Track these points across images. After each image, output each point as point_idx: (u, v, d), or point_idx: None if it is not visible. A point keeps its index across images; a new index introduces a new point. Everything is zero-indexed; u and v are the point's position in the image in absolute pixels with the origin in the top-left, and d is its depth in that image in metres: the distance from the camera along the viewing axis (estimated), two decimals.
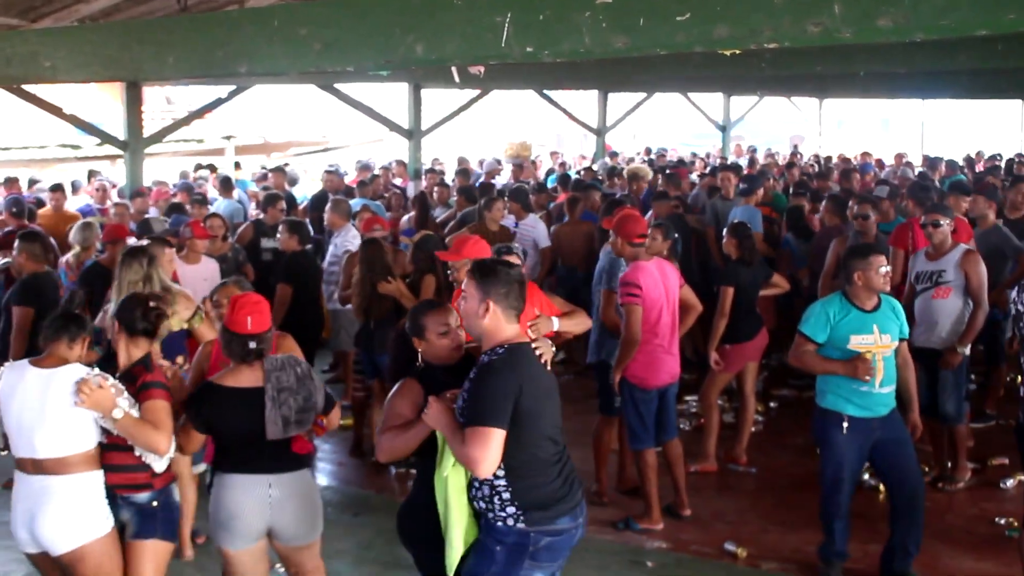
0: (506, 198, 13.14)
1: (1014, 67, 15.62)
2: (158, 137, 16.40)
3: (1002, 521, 8.30)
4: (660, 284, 8.09)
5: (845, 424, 6.97)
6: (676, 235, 9.63)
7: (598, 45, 6.19)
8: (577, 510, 5.03)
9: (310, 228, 12.89)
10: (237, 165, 23.71)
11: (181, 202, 14.39)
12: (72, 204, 15.49)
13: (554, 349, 5.14)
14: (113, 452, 5.70)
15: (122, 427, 5.55)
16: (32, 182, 18.22)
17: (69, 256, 10.72)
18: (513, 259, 7.17)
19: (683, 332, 8.64)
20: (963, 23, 4.90)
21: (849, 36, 5.27)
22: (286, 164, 21.40)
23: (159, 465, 5.76)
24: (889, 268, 7.16)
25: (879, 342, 6.96)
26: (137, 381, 5.70)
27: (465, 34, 6.85)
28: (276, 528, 5.76)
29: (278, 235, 11.06)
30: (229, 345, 5.80)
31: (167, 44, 9.02)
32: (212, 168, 21.63)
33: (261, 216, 13.12)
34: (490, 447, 4.66)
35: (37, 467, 5.61)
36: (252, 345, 5.75)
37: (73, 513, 5.62)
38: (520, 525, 4.85)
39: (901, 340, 7.17)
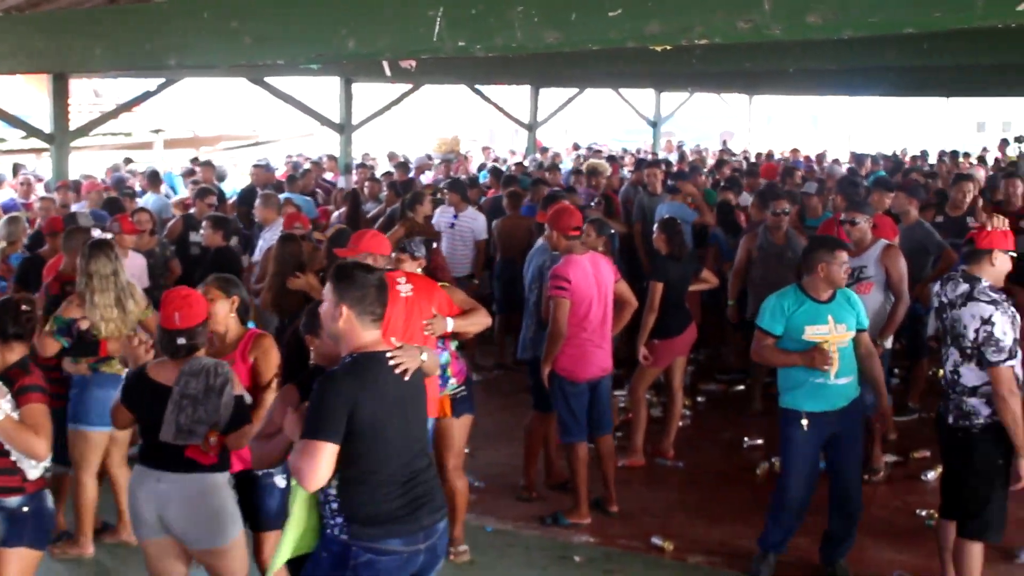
0: (445, 190, 13.15)
1: (940, 64, 15.84)
2: (85, 130, 16.17)
3: (923, 513, 8.42)
4: (591, 278, 8.10)
5: (804, 422, 7.03)
6: (612, 231, 9.68)
7: (530, 40, 6.18)
8: (417, 536, 4.76)
9: (238, 223, 12.84)
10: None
11: (117, 196, 14.22)
12: None
13: (425, 357, 4.93)
14: None
15: (1, 430, 5.45)
16: None
17: None
18: (415, 260, 7.23)
19: (619, 328, 8.67)
20: (891, 20, 4.94)
21: (779, 33, 5.30)
22: (194, 160, 21.21)
23: (33, 472, 5.64)
24: (847, 266, 7.22)
25: (834, 332, 7.03)
26: (14, 385, 5.57)
27: (397, 28, 6.82)
28: (166, 523, 5.66)
29: (202, 230, 10.99)
30: (160, 340, 5.79)
31: (95, 35, 8.90)
32: (127, 161, 21.39)
33: (192, 210, 13.00)
34: (317, 461, 4.46)
35: None
36: (180, 341, 5.70)
37: None
38: (343, 536, 4.67)
39: (860, 331, 7.23)
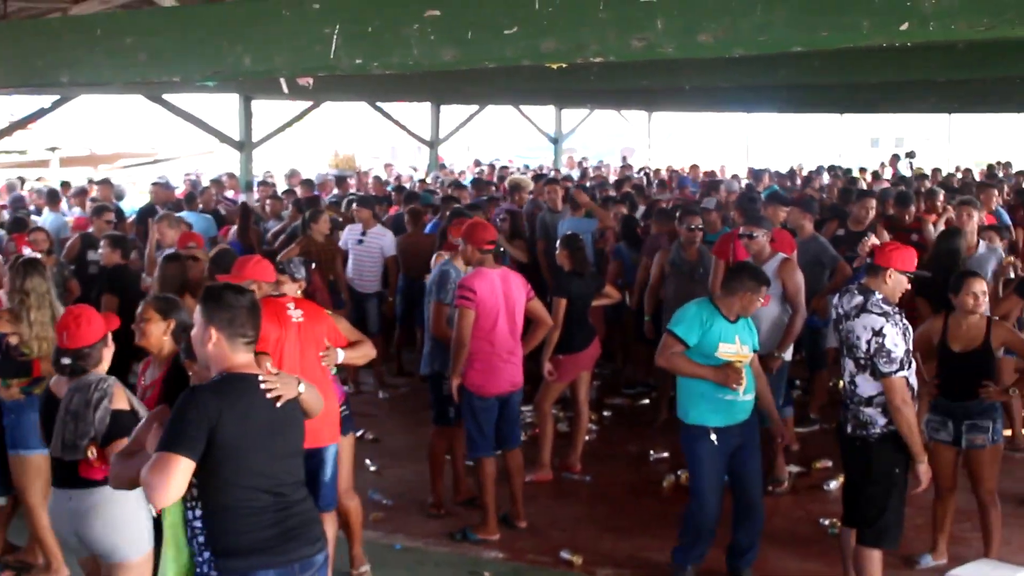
0: (355, 205, 13.12)
1: (830, 83, 16.16)
2: None
3: (826, 522, 8.54)
4: (499, 292, 8.14)
5: (713, 436, 7.11)
6: (502, 249, 9.72)
7: (427, 57, 6.19)
8: (291, 568, 4.55)
9: (137, 241, 12.67)
10: (66, 185, 23.13)
11: (22, 216, 13.98)
12: None
13: (302, 390, 4.77)
14: None
15: None
16: None
17: None
18: (295, 281, 7.18)
19: (531, 345, 8.71)
20: (779, 40, 5.03)
21: (672, 51, 5.36)
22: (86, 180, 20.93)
23: None
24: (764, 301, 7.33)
25: (740, 352, 7.14)
26: None
27: (293, 46, 6.79)
28: (83, 540, 5.68)
29: (100, 249, 10.84)
30: (52, 358, 5.89)
31: None
32: (21, 180, 21.03)
33: (90, 229, 12.80)
34: (169, 475, 4.22)
35: None
36: (64, 360, 5.70)
37: None
38: (213, 573, 4.46)
39: (754, 351, 7.37)
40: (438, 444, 8.91)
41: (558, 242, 9.98)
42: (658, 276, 10.91)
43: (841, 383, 6.95)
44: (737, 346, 7.14)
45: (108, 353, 5.99)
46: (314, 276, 8.45)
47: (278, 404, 4.61)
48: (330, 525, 6.91)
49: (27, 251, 9.22)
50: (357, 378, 12.71)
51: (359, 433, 10.77)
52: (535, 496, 8.99)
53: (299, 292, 7.21)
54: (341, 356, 6.90)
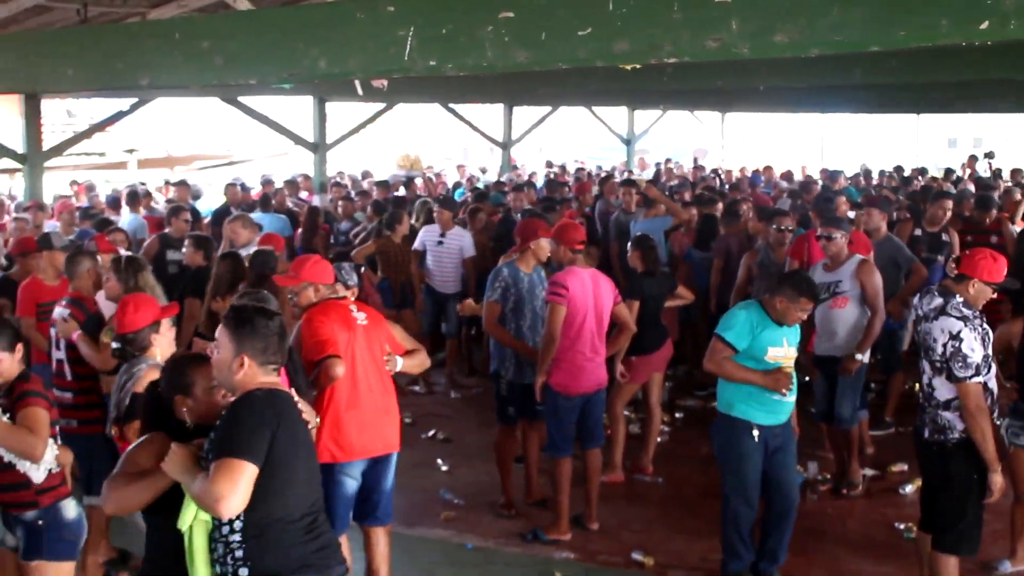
0: (436, 207, 13.19)
1: (906, 82, 15.97)
2: (58, 150, 16.13)
3: (902, 526, 8.45)
4: (590, 293, 8.16)
5: (756, 432, 7.07)
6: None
7: (500, 59, 6.21)
8: None
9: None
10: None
11: (107, 216, 14.19)
12: None
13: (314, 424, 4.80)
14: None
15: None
16: None
17: None
18: (348, 288, 7.04)
19: (614, 349, 8.74)
20: (856, 39, 5.00)
21: (746, 51, 5.35)
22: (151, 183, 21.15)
23: (37, 475, 5.67)
24: (806, 315, 7.23)
25: (787, 355, 7.10)
26: (14, 392, 5.64)
27: (368, 48, 6.85)
28: None
29: (183, 248, 10.94)
30: None
31: (66, 56, 8.90)
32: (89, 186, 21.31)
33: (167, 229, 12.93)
34: (238, 482, 4.11)
35: None
36: (114, 345, 6.00)
37: None
38: None
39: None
40: (504, 443, 8.92)
41: (630, 243, 9.96)
42: (745, 277, 10.87)
43: (918, 386, 6.86)
44: (785, 348, 7.09)
45: (160, 339, 6.03)
46: (366, 282, 8.45)
47: (309, 426, 4.70)
48: (386, 541, 6.93)
49: (123, 251, 9.35)
50: (429, 378, 12.77)
51: (431, 433, 10.86)
52: (607, 497, 8.94)
53: (351, 298, 7.13)
54: (400, 364, 6.89)
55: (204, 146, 31.90)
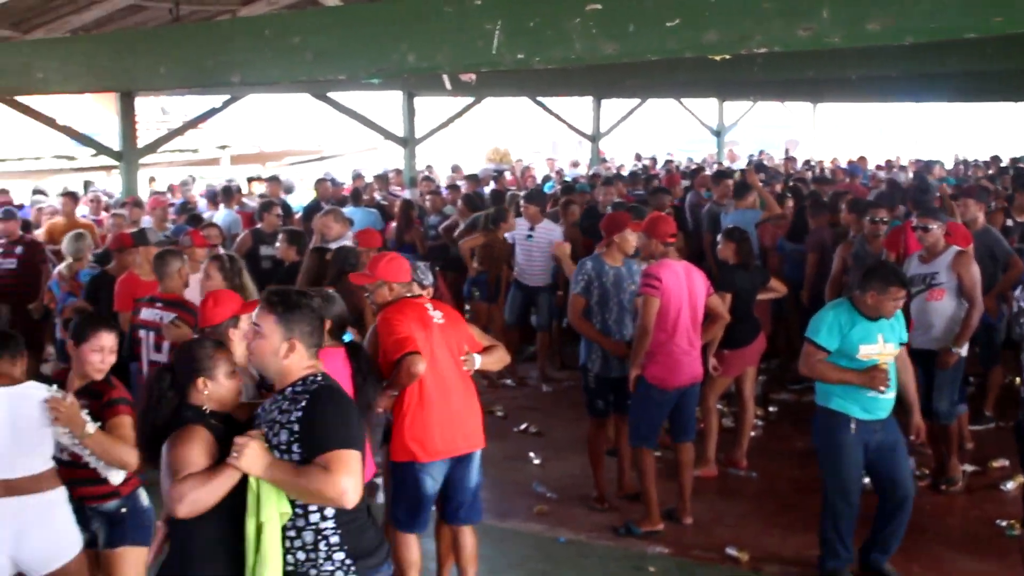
0: (523, 201, 13.21)
1: (1003, 69, 15.66)
2: (153, 147, 16.39)
3: (1003, 523, 8.29)
4: (683, 285, 8.13)
5: (853, 426, 6.99)
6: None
7: (588, 51, 6.19)
8: (388, 563, 4.62)
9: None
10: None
11: (197, 212, 14.37)
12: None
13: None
14: (74, 468, 5.69)
15: (94, 443, 5.53)
16: (37, 192, 18.20)
17: (62, 267, 10.85)
18: (423, 288, 6.91)
19: (707, 339, 8.68)
20: (951, 26, 4.91)
21: (839, 40, 5.27)
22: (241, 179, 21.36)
23: (117, 478, 5.75)
24: (901, 302, 7.12)
25: (883, 351, 6.98)
26: (103, 397, 5.71)
27: (456, 42, 6.86)
28: None
29: (276, 244, 11.03)
30: None
31: (159, 54, 9.02)
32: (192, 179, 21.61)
33: (259, 224, 13.05)
34: (356, 472, 4.23)
35: (10, 489, 5.48)
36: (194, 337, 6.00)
37: (55, 531, 5.59)
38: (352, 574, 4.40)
39: (901, 345, 7.20)
40: (595, 437, 8.90)
41: (721, 235, 9.88)
42: (840, 269, 10.72)
43: (1018, 380, 6.72)
44: (880, 345, 6.97)
45: (238, 335, 6.06)
46: (440, 281, 8.32)
47: None
48: (473, 539, 6.85)
49: (221, 249, 9.47)
50: (520, 372, 12.78)
51: (523, 427, 10.86)
52: (700, 492, 8.88)
53: (427, 297, 6.95)
54: (479, 362, 6.77)
55: (295, 142, 32.15)
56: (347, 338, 5.90)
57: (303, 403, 4.33)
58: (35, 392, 5.56)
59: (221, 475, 4.29)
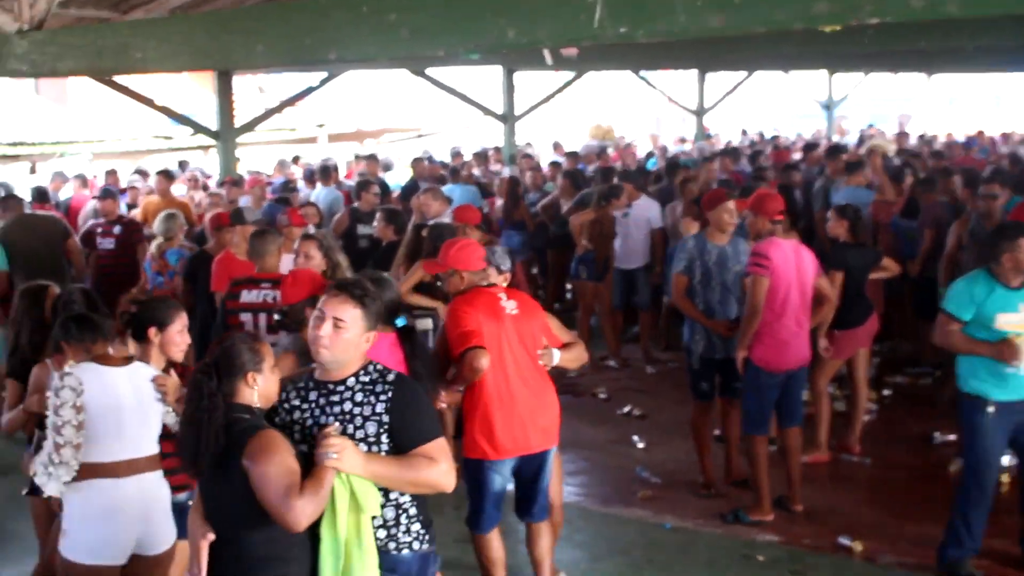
0: (615, 179, 13.13)
1: None
2: (250, 126, 16.52)
3: None
4: (792, 264, 8.00)
5: (991, 409, 6.85)
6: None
7: (693, 24, 6.08)
8: None
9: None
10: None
11: (286, 195, 14.45)
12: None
13: None
14: (165, 459, 5.72)
15: None
16: (138, 172, 18.48)
17: (152, 247, 11.02)
18: (500, 274, 6.72)
19: (816, 322, 8.52)
20: None
21: (955, 9, 5.12)
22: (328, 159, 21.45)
23: None
24: None
25: (1022, 321, 6.79)
26: (185, 378, 5.76)
27: (557, 16, 6.78)
28: None
29: (374, 223, 11.02)
30: None
31: (256, 32, 9.06)
32: (295, 159, 21.78)
33: (356, 203, 13.08)
34: (451, 456, 4.45)
35: (138, 467, 5.55)
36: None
37: (166, 512, 5.69)
38: (424, 547, 4.55)
39: None
40: (700, 420, 8.81)
41: (831, 211, 9.70)
42: (955, 246, 10.49)
43: None
44: (1021, 315, 6.77)
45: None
46: (518, 268, 8.16)
47: None
48: (546, 536, 6.70)
49: (311, 226, 9.50)
50: (624, 353, 12.74)
51: (626, 411, 10.80)
52: (811, 479, 8.76)
53: (504, 285, 6.75)
54: (557, 357, 6.50)
55: (393, 119, 32.27)
56: (400, 322, 5.80)
57: (389, 394, 4.38)
58: (145, 371, 5.65)
59: (326, 480, 4.19)
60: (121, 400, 5.53)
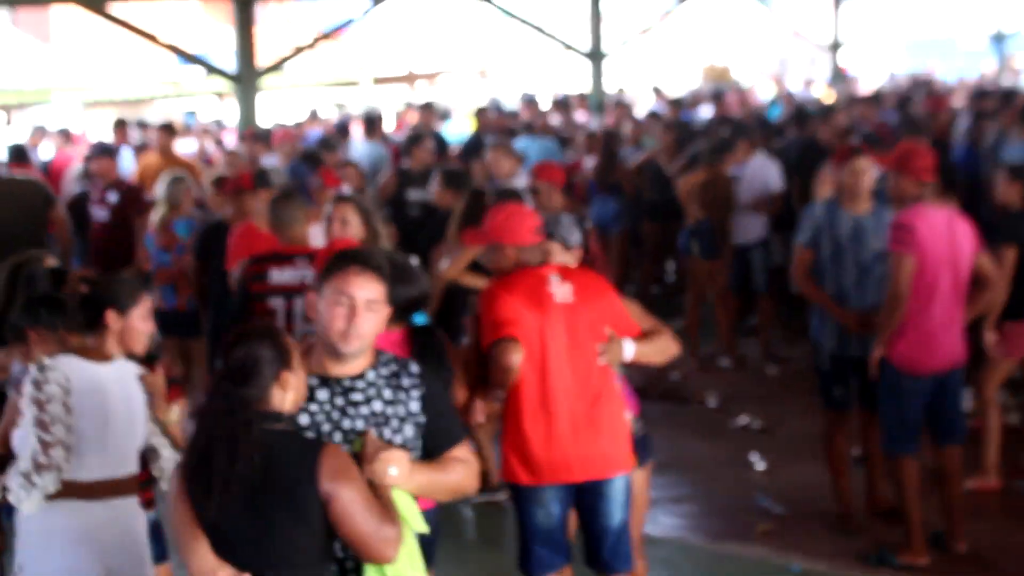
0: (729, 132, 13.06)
1: None
2: (276, 67, 16.57)
3: None
4: (944, 239, 7.80)
5: None
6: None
7: None
8: None
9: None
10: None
11: (315, 150, 14.39)
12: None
13: None
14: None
15: (175, 429, 5.68)
16: (141, 125, 18.61)
17: (154, 217, 10.74)
18: (568, 250, 6.45)
19: (974, 313, 8.30)
20: None
21: None
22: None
23: (166, 481, 5.73)
24: None
25: None
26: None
27: None
28: None
29: (429, 186, 10.92)
30: None
31: None
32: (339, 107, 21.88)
33: (406, 162, 13.01)
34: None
35: (117, 489, 5.56)
36: None
37: (143, 539, 5.69)
38: None
39: None
40: (833, 434, 8.65)
41: (1003, 172, 9.52)
42: None
43: None
44: None
45: None
46: (592, 243, 7.63)
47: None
48: None
49: (345, 187, 9.47)
50: (737, 349, 12.70)
51: (742, 423, 10.71)
52: (977, 511, 8.62)
53: (572, 263, 6.48)
54: (630, 350, 6.19)
55: (452, 58, 32.40)
56: (420, 319, 5.63)
57: (421, 390, 4.52)
58: (132, 370, 5.63)
59: (390, 500, 4.25)
60: (109, 405, 5.49)
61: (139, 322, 5.67)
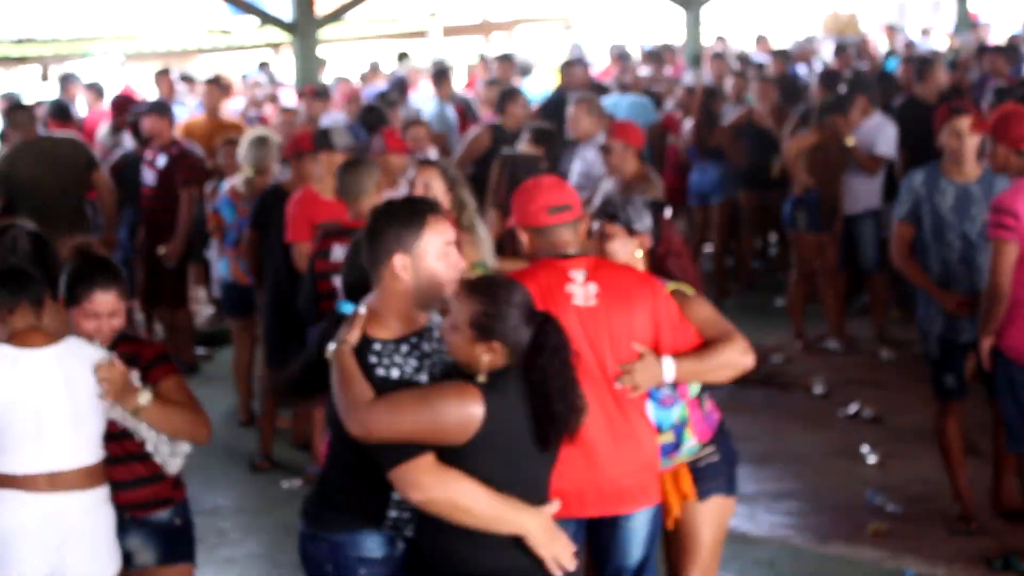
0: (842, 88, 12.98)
1: None
2: (337, 16, 16.65)
3: None
4: None
5: None
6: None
7: None
8: None
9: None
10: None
11: (377, 106, 14.32)
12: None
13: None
14: (118, 466, 5.83)
15: (154, 416, 5.71)
16: (184, 78, 18.68)
17: (237, 182, 10.75)
18: (633, 236, 6.07)
19: None
20: None
21: None
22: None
23: (174, 464, 5.91)
24: None
25: None
26: (140, 360, 5.83)
27: None
28: None
29: (520, 144, 10.77)
30: None
31: None
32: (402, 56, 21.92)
33: (498, 120, 12.94)
34: None
35: (55, 483, 5.64)
36: None
37: (100, 540, 5.76)
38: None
39: None
40: (946, 427, 8.62)
41: None
42: None
43: None
44: None
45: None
46: (669, 231, 7.01)
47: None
48: None
49: (425, 153, 9.50)
50: (847, 330, 12.69)
51: (852, 411, 10.70)
52: None
53: (639, 255, 6.10)
54: (670, 371, 5.66)
55: (531, 6, 32.34)
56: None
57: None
58: (84, 355, 5.67)
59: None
60: (41, 395, 5.60)
61: (82, 321, 5.77)
